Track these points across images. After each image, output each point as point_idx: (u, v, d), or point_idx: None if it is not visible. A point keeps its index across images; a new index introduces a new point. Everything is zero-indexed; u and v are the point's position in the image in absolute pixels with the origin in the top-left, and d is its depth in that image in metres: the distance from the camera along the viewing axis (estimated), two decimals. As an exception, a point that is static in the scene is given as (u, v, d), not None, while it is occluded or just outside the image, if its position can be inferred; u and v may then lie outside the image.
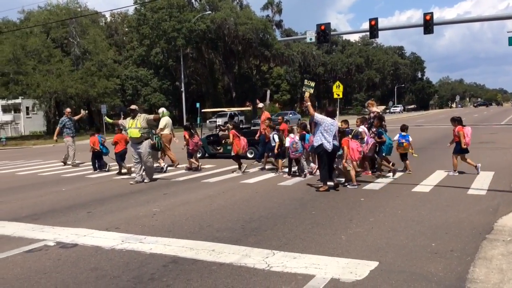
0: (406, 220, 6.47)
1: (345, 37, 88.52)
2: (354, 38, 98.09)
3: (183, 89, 46.05)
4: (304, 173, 11.06)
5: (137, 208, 8.00)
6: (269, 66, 67.29)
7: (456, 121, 10.46)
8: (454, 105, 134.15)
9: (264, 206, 7.71)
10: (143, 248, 5.45)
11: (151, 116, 11.60)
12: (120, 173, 12.96)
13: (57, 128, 16.65)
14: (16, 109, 56.76)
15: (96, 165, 13.98)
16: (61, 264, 5.01)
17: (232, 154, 12.19)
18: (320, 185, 9.12)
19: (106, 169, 13.88)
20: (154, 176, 11.58)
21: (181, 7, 49.34)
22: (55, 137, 17.04)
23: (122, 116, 12.21)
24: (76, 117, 17.49)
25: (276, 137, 11.81)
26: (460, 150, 10.24)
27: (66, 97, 40.75)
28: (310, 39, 24.40)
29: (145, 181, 11.21)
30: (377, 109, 11.43)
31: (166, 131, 13.80)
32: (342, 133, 9.49)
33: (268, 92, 70.83)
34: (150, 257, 5.12)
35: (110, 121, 14.11)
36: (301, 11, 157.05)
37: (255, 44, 52.18)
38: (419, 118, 51.51)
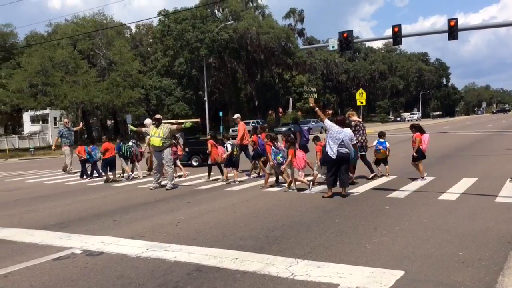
0: (433, 228, 6.36)
1: (368, 44, 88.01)
2: (377, 45, 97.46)
3: (206, 98, 46.45)
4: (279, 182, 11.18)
5: (162, 216, 8.08)
6: (292, 74, 67.34)
7: (415, 128, 11.03)
8: (474, 112, 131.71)
9: (288, 215, 7.69)
10: (167, 256, 5.50)
11: (174, 126, 11.99)
12: (107, 181, 13.66)
13: (56, 138, 17.46)
14: (44, 119, 58.10)
15: (86, 172, 14.98)
16: (88, 272, 5.09)
17: (209, 162, 12.84)
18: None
19: (89, 178, 14.81)
20: (175, 182, 11.89)
21: (204, 18, 49.96)
22: (53, 146, 18.05)
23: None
24: (75, 128, 18.89)
25: (229, 146, 12.33)
26: (417, 157, 10.76)
27: (92, 107, 41.55)
28: (333, 46, 24.28)
29: (166, 188, 11.42)
30: (357, 118, 12.10)
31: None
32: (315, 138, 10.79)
33: (291, 100, 70.85)
34: (174, 265, 5.16)
35: (134, 128, 14.57)
36: (323, 19, 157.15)
37: (277, 53, 52.36)
38: (444, 125, 50.62)
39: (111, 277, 4.89)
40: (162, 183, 11.61)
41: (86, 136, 43.83)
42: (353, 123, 11.56)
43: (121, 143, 14.45)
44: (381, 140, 11.59)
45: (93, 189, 12.54)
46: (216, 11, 55.37)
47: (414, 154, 10.71)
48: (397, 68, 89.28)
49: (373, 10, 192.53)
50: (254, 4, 58.69)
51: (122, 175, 14.37)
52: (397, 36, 23.18)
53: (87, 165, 15.04)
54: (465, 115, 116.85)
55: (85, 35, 43.12)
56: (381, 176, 11.63)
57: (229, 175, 12.37)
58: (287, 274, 4.68)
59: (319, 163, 10.67)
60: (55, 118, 56.64)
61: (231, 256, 5.36)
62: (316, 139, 11.17)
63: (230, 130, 45.15)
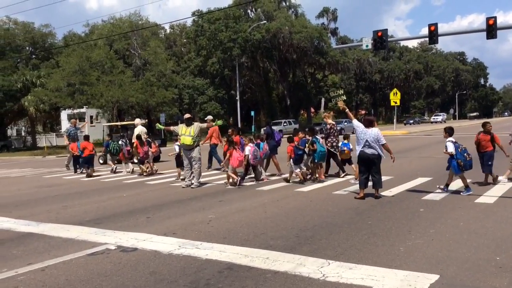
0: (469, 232, 6.19)
1: (402, 43, 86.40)
2: (412, 44, 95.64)
3: (238, 97, 46.66)
4: (261, 178, 12.37)
5: (194, 214, 8.16)
6: (324, 74, 66.83)
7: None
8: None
9: (319, 215, 7.63)
10: (199, 254, 5.55)
11: (204, 125, 12.19)
12: (89, 176, 15.49)
13: (65, 136, 18.84)
14: (81, 118, 59.67)
15: (76, 167, 16.99)
16: (122, 268, 5.19)
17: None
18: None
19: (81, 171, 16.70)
20: (202, 180, 12.15)
21: (237, 18, 50.19)
22: (66, 142, 19.09)
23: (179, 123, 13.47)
24: (81, 125, 20.60)
25: (176, 147, 13.60)
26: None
27: (127, 106, 42.34)
28: (366, 46, 24.01)
29: (192, 186, 11.61)
30: (332, 121, 12.80)
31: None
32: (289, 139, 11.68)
33: (323, 100, 70.31)
34: (206, 263, 5.20)
35: (162, 127, 14.82)
36: (357, 18, 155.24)
37: (310, 52, 52.06)
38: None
39: (144, 273, 4.97)
40: (192, 186, 11.68)
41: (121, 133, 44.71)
42: (328, 126, 12.60)
43: (110, 141, 16.86)
44: (345, 142, 12.32)
45: (127, 186, 12.79)
46: (249, 11, 55.53)
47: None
48: (433, 67, 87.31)
49: (409, 9, 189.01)
50: (287, 4, 58.52)
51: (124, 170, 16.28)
52: (433, 35, 22.69)
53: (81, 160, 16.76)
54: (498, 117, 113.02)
55: (121, 36, 44.00)
56: (346, 175, 12.28)
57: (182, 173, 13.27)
58: (319, 275, 4.64)
59: (291, 162, 11.59)
60: (91, 117, 58.07)
61: (262, 256, 5.36)
62: (290, 139, 11.88)
63: (262, 130, 45.24)
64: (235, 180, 11.67)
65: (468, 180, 10.39)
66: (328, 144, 12.13)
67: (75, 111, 47.08)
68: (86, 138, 17.15)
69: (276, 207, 8.59)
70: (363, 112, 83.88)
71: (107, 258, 5.57)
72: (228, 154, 11.90)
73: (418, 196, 9.04)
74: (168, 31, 62.30)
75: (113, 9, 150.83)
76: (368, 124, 9.20)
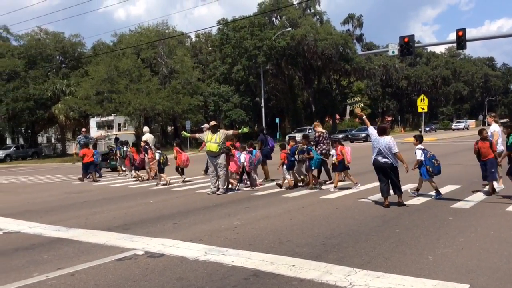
0: (500, 241, 6.03)
1: (430, 49, 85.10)
2: (439, 49, 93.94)
3: (263, 104, 46.77)
4: (255, 184, 12.87)
5: (219, 221, 8.21)
6: (349, 81, 66.36)
7: (336, 141, 11.95)
8: None
9: (345, 223, 7.57)
10: (225, 260, 5.57)
11: (230, 132, 12.26)
12: (94, 181, 16.80)
13: (75, 144, 19.76)
14: (109, 125, 60.73)
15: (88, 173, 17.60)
16: (149, 273, 5.25)
17: (175, 166, 14.80)
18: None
19: (98, 176, 17.86)
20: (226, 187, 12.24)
21: (262, 26, 50.42)
22: (74, 151, 20.26)
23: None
24: (95, 136, 21.80)
25: (157, 155, 14.69)
26: (343, 167, 11.46)
27: (154, 114, 42.94)
28: (393, 52, 23.77)
29: (218, 193, 11.66)
30: (322, 130, 13.44)
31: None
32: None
33: (348, 106, 69.71)
34: (232, 270, 5.22)
35: (188, 135, 14.98)
36: (383, 24, 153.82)
37: (335, 59, 51.83)
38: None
39: (171, 278, 5.02)
40: (218, 193, 11.74)
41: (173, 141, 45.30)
42: (316, 134, 13.18)
43: (120, 146, 18.46)
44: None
45: (154, 192, 12.96)
46: (274, 18, 55.71)
47: (346, 163, 11.42)
48: (461, 73, 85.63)
49: (436, 14, 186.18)
50: (312, 11, 58.47)
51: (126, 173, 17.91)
52: (461, 41, 22.30)
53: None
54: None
55: (148, 45, 44.75)
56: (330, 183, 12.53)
57: (166, 178, 14.44)
58: (345, 283, 4.60)
59: (282, 168, 12.21)
60: (119, 124, 59.06)
61: (287, 263, 5.35)
62: (282, 146, 12.51)
63: (287, 136, 45.19)
64: (234, 185, 12.55)
65: (501, 187, 10.15)
66: (318, 151, 12.37)
67: (104, 118, 48.03)
68: (86, 145, 18.55)
69: (301, 214, 8.56)
70: (389, 118, 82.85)
71: (135, 264, 5.65)
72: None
73: (446, 204, 8.87)
74: (194, 39, 63.06)
75: (140, 18, 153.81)
76: (381, 132, 9.05)
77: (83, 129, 21.96)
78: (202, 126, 13.96)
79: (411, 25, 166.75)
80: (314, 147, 12.39)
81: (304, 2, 55.00)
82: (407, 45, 22.87)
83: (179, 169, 14.83)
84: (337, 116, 67.31)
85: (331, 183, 12.26)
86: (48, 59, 49.72)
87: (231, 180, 12.49)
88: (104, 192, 13.82)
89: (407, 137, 43.78)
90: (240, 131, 12.56)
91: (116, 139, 21.21)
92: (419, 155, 9.58)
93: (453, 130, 64.80)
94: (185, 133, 14.71)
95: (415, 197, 9.74)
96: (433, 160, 9.53)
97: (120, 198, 12.16)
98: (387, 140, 8.87)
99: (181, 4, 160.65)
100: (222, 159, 11.75)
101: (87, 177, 17.47)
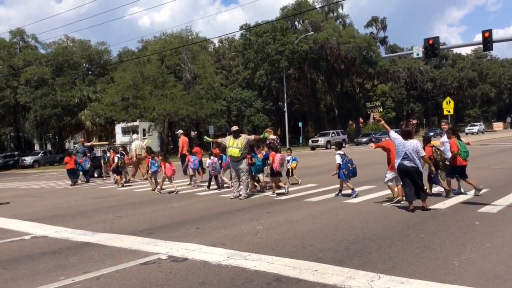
0: (530, 247, 5.87)
1: (455, 50, 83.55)
2: (465, 51, 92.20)
3: (285, 109, 46.76)
4: (225, 185, 13.98)
5: (242, 225, 8.22)
6: (373, 84, 65.76)
7: (271, 148, 12.73)
8: None
9: (369, 227, 7.48)
10: (247, 265, 5.58)
11: (252, 137, 12.24)
12: (73, 184, 18.57)
13: (74, 154, 20.94)
14: (134, 131, 61.52)
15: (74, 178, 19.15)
16: (173, 277, 5.30)
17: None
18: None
19: (78, 181, 19.39)
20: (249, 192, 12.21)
21: (284, 30, 50.48)
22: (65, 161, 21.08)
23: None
24: (88, 144, 23.00)
25: (116, 158, 16.58)
26: (274, 174, 12.21)
27: (178, 119, 43.41)
28: (417, 54, 23.40)
29: (240, 198, 11.68)
30: (273, 136, 14.05)
31: (138, 152, 18.42)
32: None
33: (368, 110, 69.04)
34: (254, 274, 5.22)
35: (210, 140, 15.06)
36: (407, 26, 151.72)
37: (358, 62, 51.48)
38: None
39: (194, 282, 5.06)
40: (241, 197, 11.78)
41: (171, 146, 45.92)
42: (268, 141, 13.73)
43: (104, 154, 20.22)
44: (292, 156, 13.91)
45: (177, 197, 13.07)
46: (296, 23, 55.69)
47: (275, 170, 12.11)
48: (488, 75, 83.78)
49: (461, 15, 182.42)
50: (335, 14, 58.24)
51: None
52: (487, 42, 21.80)
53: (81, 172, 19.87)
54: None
55: (172, 51, 45.32)
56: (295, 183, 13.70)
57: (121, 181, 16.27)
58: (368, 288, 4.55)
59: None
60: (143, 130, 59.82)
61: (310, 268, 5.32)
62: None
63: (310, 140, 45.05)
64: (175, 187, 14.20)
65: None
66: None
67: (129, 124, 48.79)
68: (69, 154, 20.45)
69: (324, 218, 8.50)
70: (414, 121, 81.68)
71: (159, 268, 5.71)
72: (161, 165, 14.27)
73: (473, 209, 8.69)
74: (217, 45, 63.55)
75: (164, 25, 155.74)
76: (407, 135, 8.95)
77: (81, 139, 25.01)
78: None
79: (436, 27, 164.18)
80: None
81: (326, 6, 54.83)
82: (432, 47, 22.51)
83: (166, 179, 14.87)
84: (361, 120, 66.67)
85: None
86: (74, 67, 50.87)
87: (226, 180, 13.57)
88: (129, 197, 14.02)
89: (433, 140, 43.12)
90: (262, 136, 12.57)
91: (91, 148, 22.87)
92: (338, 160, 10.93)
93: (466, 134, 59.34)
94: (207, 138, 14.82)
95: (397, 201, 9.50)
96: (349, 165, 10.85)
97: (144, 203, 12.31)
98: (414, 143, 8.81)
99: (204, 10, 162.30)
100: (244, 164, 11.76)
101: (76, 181, 19.27)
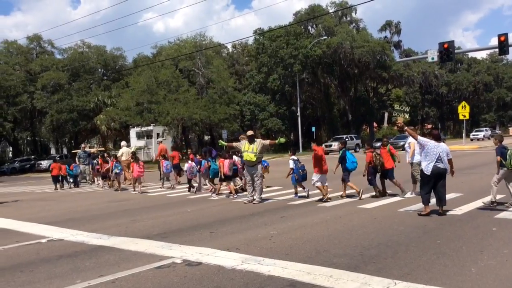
0: (549, 254, 5.77)
1: (470, 54, 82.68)
2: (481, 55, 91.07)
3: (299, 113, 46.69)
4: (195, 190, 15.00)
5: (256, 230, 8.22)
6: (387, 88, 65.32)
7: (219, 155, 13.98)
8: None
9: (384, 233, 7.43)
10: (261, 270, 5.57)
11: (267, 142, 12.29)
12: (56, 189, 19.81)
13: (77, 158, 22.34)
14: (148, 135, 62.02)
15: (59, 183, 20.57)
16: (187, 281, 5.31)
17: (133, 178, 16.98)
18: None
19: (70, 186, 20.83)
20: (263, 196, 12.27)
21: (297, 35, 50.45)
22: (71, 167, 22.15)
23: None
24: (92, 150, 24.15)
25: (114, 166, 17.84)
26: (223, 178, 13.55)
27: (191, 123, 43.60)
28: (432, 58, 23.26)
29: (254, 202, 11.69)
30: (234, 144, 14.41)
31: (123, 158, 19.35)
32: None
33: (386, 114, 68.65)
34: (268, 279, 5.21)
35: (224, 143, 15.10)
36: (422, 30, 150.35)
37: (372, 66, 51.22)
38: None
39: (208, 287, 5.06)
40: (254, 202, 11.80)
41: (185, 151, 46.14)
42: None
43: (92, 160, 21.01)
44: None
45: (191, 201, 13.12)
46: (309, 27, 55.65)
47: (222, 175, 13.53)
48: (504, 79, 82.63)
49: (477, 19, 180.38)
50: (348, 19, 58.06)
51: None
52: (503, 46, 21.59)
53: (69, 178, 21.12)
54: None
55: (186, 56, 45.61)
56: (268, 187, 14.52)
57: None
58: (384, 295, 4.51)
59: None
60: (157, 134, 60.17)
61: (325, 273, 5.29)
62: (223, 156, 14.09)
63: (323, 145, 44.87)
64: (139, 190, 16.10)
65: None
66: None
67: (143, 128, 49.14)
68: (55, 160, 22.32)
69: (338, 224, 8.46)
70: (429, 126, 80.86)
71: (174, 272, 5.73)
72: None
73: (490, 214, 8.58)
74: (230, 50, 63.78)
75: (178, 31, 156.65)
76: (438, 138, 9.07)
77: (83, 145, 26.09)
78: (240, 137, 14.34)
79: (451, 31, 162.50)
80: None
81: (340, 10, 54.73)
82: (447, 51, 22.34)
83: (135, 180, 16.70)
84: (375, 124, 66.22)
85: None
86: (90, 72, 51.48)
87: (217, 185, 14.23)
88: (144, 201, 14.11)
89: (448, 145, 42.64)
90: (276, 141, 12.60)
91: (89, 154, 23.26)
92: (291, 165, 12.06)
93: (471, 140, 54.84)
94: (221, 142, 14.90)
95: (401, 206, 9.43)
96: (300, 170, 11.98)
97: (158, 207, 12.38)
98: (445, 146, 8.98)
99: (218, 16, 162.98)
100: (259, 169, 11.80)
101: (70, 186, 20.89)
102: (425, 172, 8.78)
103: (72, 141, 55.22)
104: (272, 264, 5.80)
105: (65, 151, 56.74)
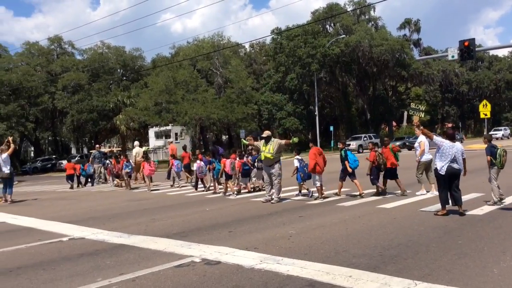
0: None
1: (492, 52, 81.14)
2: (502, 53, 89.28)
3: (316, 112, 46.47)
4: (207, 187, 15.53)
5: (274, 229, 8.22)
6: (407, 87, 64.55)
7: (221, 155, 14.84)
8: None
9: (404, 233, 7.35)
10: (280, 270, 5.57)
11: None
12: (71, 188, 20.58)
13: (90, 158, 22.97)
14: (167, 135, 62.56)
15: (75, 183, 21.47)
16: (206, 280, 5.34)
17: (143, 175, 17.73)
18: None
19: (83, 185, 21.59)
20: (282, 196, 12.25)
21: (315, 33, 50.23)
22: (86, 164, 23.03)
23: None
24: (106, 150, 24.25)
25: (124, 166, 18.06)
26: (227, 177, 14.11)
27: (209, 123, 43.78)
28: (452, 56, 22.88)
29: (272, 202, 11.69)
30: (253, 143, 14.87)
31: (138, 157, 19.57)
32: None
33: (405, 113, 67.82)
34: (287, 279, 5.21)
35: (246, 142, 15.15)
36: (442, 28, 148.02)
37: (391, 65, 50.69)
38: None
39: (227, 286, 5.08)
40: (273, 201, 11.80)
41: (203, 150, 46.38)
42: (249, 147, 15.11)
43: (105, 160, 21.75)
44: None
45: (210, 201, 13.19)
46: (327, 26, 55.34)
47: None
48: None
49: (498, 16, 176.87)
50: (367, 17, 57.55)
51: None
52: (527, 42, 21.05)
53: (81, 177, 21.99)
54: None
55: (204, 56, 45.80)
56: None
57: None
58: (404, 295, 4.47)
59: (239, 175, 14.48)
60: (176, 134, 60.63)
61: (344, 274, 5.27)
62: (240, 156, 14.64)
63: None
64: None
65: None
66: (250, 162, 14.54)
67: (162, 128, 49.50)
68: (68, 160, 23.53)
69: (357, 223, 8.41)
70: (449, 125, 79.65)
71: (193, 271, 5.77)
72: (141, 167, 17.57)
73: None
74: (248, 49, 63.84)
75: (196, 31, 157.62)
76: (453, 138, 9.00)
77: (97, 146, 27.27)
78: (247, 138, 14.96)
79: (472, 28, 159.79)
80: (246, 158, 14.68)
81: (358, 9, 54.31)
82: (468, 49, 21.99)
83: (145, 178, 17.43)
84: (394, 123, 65.52)
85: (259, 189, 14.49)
86: (110, 72, 52.05)
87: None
88: (163, 200, 14.23)
89: (469, 144, 41.88)
90: (291, 141, 12.61)
91: (104, 154, 24.15)
92: (296, 163, 12.57)
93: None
94: (244, 141, 15.04)
95: (480, 207, 9.29)
96: (305, 169, 12.32)
97: (177, 206, 12.48)
98: (460, 145, 8.94)
99: (236, 16, 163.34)
100: (276, 169, 11.81)
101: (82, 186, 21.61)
102: (439, 172, 8.74)
103: (92, 141, 55.95)
104: (291, 264, 5.79)
105: (85, 150, 57.54)
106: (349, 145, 42.74)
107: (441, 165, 8.72)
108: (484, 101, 38.19)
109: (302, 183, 12.75)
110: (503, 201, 9.60)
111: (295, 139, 12.82)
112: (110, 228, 9.20)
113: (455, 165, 8.66)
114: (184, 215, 10.61)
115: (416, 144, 12.02)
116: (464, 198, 9.30)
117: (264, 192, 12.66)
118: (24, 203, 15.73)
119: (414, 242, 6.69)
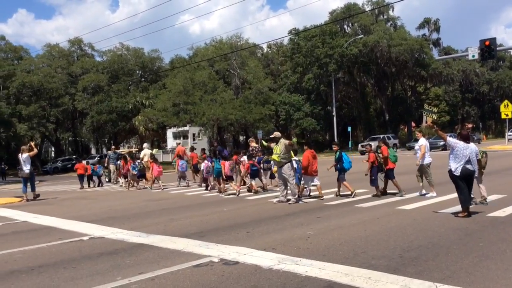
0: None
1: (514, 51, 79.59)
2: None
3: (334, 113, 46.24)
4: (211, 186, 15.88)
5: (292, 230, 8.20)
6: (426, 87, 63.80)
7: (221, 157, 14.82)
8: None
9: (424, 235, 7.26)
10: (298, 270, 5.55)
11: (287, 142, 12.24)
12: (82, 188, 21.35)
13: (106, 159, 24.41)
14: (185, 135, 62.91)
15: (87, 183, 22.34)
16: (225, 280, 5.36)
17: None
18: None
19: (95, 185, 22.41)
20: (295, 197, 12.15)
21: (333, 34, 50.02)
22: (105, 165, 24.41)
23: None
24: (122, 151, 25.07)
25: (131, 168, 18.83)
26: (226, 178, 14.58)
27: (227, 124, 43.92)
28: (473, 56, 22.53)
29: (289, 203, 11.69)
30: (255, 145, 16.51)
31: (145, 159, 19.73)
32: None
33: (424, 113, 66.99)
34: (305, 280, 5.19)
35: (266, 144, 15.18)
36: (462, 28, 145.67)
37: (410, 65, 50.18)
38: None
39: (245, 286, 5.09)
40: (289, 203, 11.78)
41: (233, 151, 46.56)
42: (250, 148, 16.09)
43: (116, 161, 22.28)
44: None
45: (227, 201, 13.22)
46: (345, 26, 55.06)
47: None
48: (548, 76, 79.32)
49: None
50: (385, 17, 57.07)
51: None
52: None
53: (94, 177, 22.82)
54: None
55: (222, 57, 45.98)
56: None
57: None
58: (425, 298, 4.41)
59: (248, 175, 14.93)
60: (193, 134, 60.92)
61: (363, 275, 5.23)
62: (249, 157, 15.18)
63: (359, 145, 44.34)
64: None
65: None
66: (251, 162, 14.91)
67: (180, 129, 49.81)
68: (79, 161, 24.57)
69: (376, 225, 8.33)
70: (470, 125, 78.49)
71: (211, 270, 5.79)
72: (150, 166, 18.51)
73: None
74: (265, 50, 63.85)
75: (214, 32, 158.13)
76: (467, 139, 8.91)
77: (113, 147, 28.48)
78: (249, 140, 15.51)
79: (493, 28, 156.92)
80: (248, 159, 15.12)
81: (376, 9, 53.88)
82: (488, 49, 21.62)
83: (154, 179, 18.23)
84: (413, 124, 64.76)
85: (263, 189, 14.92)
86: (129, 74, 52.68)
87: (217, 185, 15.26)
88: (181, 200, 14.32)
89: (490, 145, 41.13)
90: (292, 141, 12.64)
91: (119, 155, 24.33)
92: (294, 165, 12.48)
93: (509, 140, 46.77)
94: (264, 142, 15.11)
95: (477, 205, 9.14)
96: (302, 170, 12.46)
97: (195, 206, 12.54)
98: (474, 146, 8.87)
99: (253, 17, 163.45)
100: (286, 169, 11.81)
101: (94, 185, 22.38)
102: (454, 173, 8.65)
103: (112, 141, 56.64)
104: (309, 265, 5.77)
105: (104, 151, 58.25)
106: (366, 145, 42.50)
107: (455, 167, 8.62)
108: (506, 101, 37.56)
109: (300, 185, 12.75)
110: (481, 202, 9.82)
111: (295, 140, 13.03)
112: (130, 228, 9.28)
113: (469, 166, 8.56)
114: (202, 215, 10.65)
115: (416, 147, 12.15)
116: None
117: (276, 193, 12.92)
118: (45, 202, 16.00)
119: (434, 244, 6.60)
